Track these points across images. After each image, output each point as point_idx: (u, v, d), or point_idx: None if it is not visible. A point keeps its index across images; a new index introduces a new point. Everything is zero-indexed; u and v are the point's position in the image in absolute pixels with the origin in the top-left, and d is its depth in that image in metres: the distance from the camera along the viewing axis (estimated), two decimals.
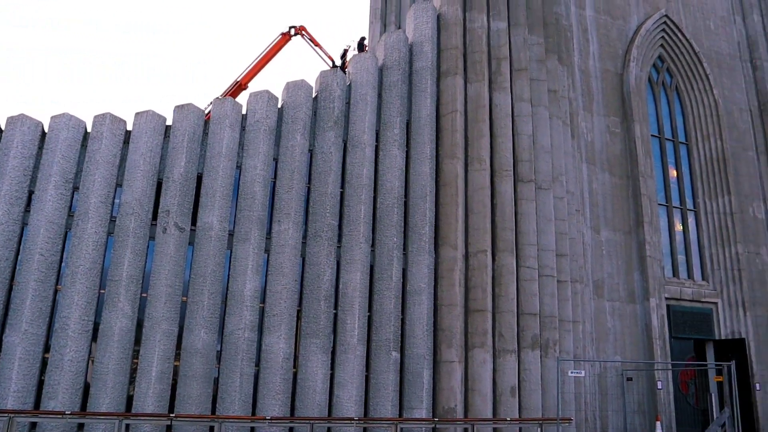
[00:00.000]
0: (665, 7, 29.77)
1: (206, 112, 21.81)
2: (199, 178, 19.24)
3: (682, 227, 27.76)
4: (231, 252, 18.77)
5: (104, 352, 16.88)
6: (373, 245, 20.03)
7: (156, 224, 18.35)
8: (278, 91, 20.89)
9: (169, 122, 19.50)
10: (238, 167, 19.63)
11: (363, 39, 27.75)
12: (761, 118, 30.00)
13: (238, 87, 30.76)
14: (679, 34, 29.51)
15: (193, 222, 18.79)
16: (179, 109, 19.43)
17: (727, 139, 28.62)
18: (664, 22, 29.50)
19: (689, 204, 28.10)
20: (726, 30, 31.21)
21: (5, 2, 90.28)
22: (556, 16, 25.18)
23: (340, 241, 19.75)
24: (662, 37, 29.54)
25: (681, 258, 27.33)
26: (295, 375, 18.43)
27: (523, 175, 21.89)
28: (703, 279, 27.15)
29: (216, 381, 17.75)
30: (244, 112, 20.21)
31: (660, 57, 29.68)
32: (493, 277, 20.67)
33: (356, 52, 27.15)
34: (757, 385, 25.48)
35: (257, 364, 18.11)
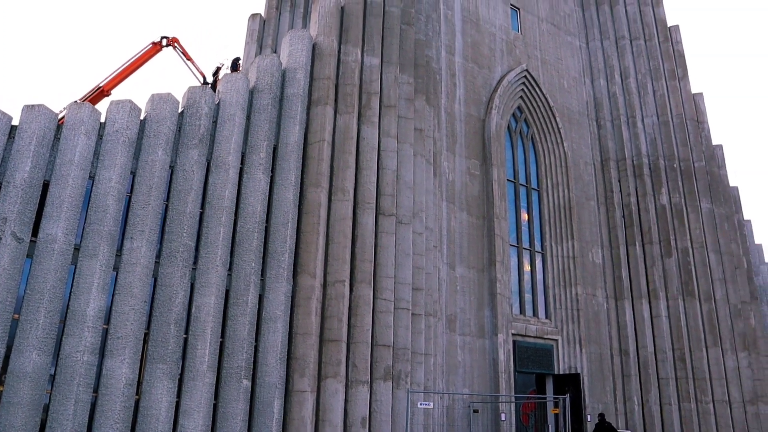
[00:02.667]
0: (526, 63, 32.10)
1: (60, 116, 20.39)
2: (46, 186, 17.89)
3: (530, 268, 29.63)
4: (75, 268, 17.51)
5: None
6: (230, 269, 19.54)
7: None
8: (144, 104, 20.07)
9: (16, 122, 18.04)
10: (91, 178, 18.49)
11: (237, 59, 27.40)
12: (602, 171, 32.99)
13: (100, 93, 29.06)
14: (537, 89, 31.89)
15: (35, 233, 17.38)
16: (29, 110, 18.03)
17: (574, 189, 31.12)
18: (525, 76, 31.78)
19: (537, 246, 30.08)
20: (577, 90, 34.16)
21: None
22: (427, 59, 26.32)
23: (195, 263, 19.08)
24: (522, 89, 31.77)
25: (528, 297, 29.11)
26: (137, 402, 17.39)
27: (385, 209, 22.43)
28: (546, 317, 29.04)
29: (46, 408, 16.34)
30: (102, 120, 19.14)
31: (519, 107, 31.86)
32: (350, 308, 20.85)
33: (229, 71, 26.73)
34: (589, 416, 27.48)
35: (95, 390, 16.90)
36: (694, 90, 36.05)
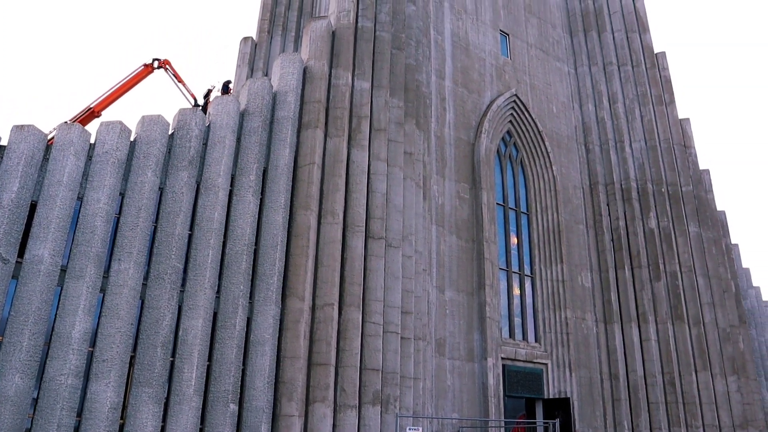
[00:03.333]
0: (516, 88, 32.43)
1: (50, 136, 20.35)
2: (34, 207, 17.79)
3: (519, 291, 29.62)
4: (61, 289, 17.36)
5: None
6: (218, 292, 19.43)
7: None
8: (135, 125, 20.09)
9: (4, 142, 17.99)
10: (80, 199, 18.41)
11: (228, 82, 27.51)
12: (591, 195, 33.19)
13: (91, 114, 29.04)
14: (526, 113, 32.18)
15: (20, 254, 17.23)
16: (18, 130, 18.00)
17: (563, 213, 31.26)
18: (514, 101, 32.09)
19: (527, 270, 30.11)
20: (566, 115, 34.49)
21: None
22: (417, 83, 26.53)
23: (183, 285, 18.97)
24: (511, 114, 32.05)
25: (517, 320, 29.05)
26: (121, 427, 17.14)
27: (375, 232, 22.42)
28: (536, 341, 28.96)
29: None
30: (92, 141, 19.13)
31: (508, 132, 32.10)
32: (339, 331, 20.73)
33: (220, 93, 26.83)
34: None
35: (79, 414, 16.65)
36: (681, 115, 36.47)
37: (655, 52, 37.31)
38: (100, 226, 17.92)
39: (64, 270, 17.54)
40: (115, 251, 18.22)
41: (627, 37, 36.98)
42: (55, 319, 17.04)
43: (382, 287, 21.96)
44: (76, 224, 18.05)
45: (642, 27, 37.68)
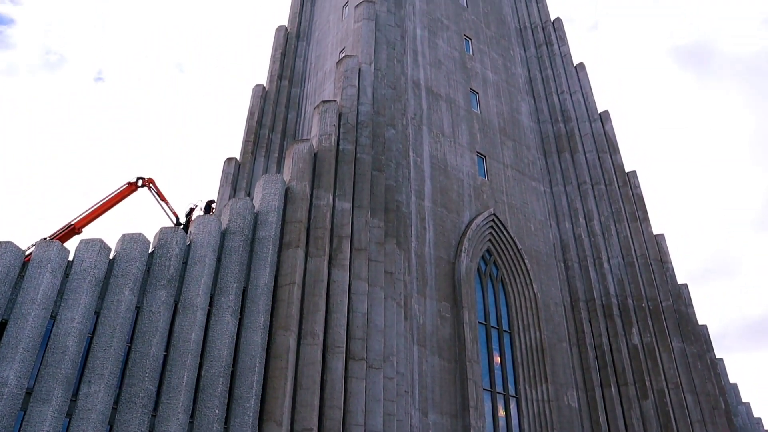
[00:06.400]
0: (494, 207, 33.20)
1: (28, 252, 20.23)
2: (3, 325, 17.35)
3: (505, 413, 28.73)
4: (24, 414, 16.55)
5: None
6: (192, 416, 18.62)
7: None
8: (115, 242, 20.08)
9: None
10: (53, 317, 18.02)
11: (211, 201, 27.97)
12: (572, 312, 33.09)
13: (71, 230, 29.08)
14: (505, 232, 32.72)
15: None
16: None
17: (545, 330, 31.00)
18: (492, 220, 32.72)
19: (511, 390, 29.39)
20: (544, 232, 35.12)
21: None
22: (397, 203, 27.09)
23: (156, 409, 18.18)
24: (490, 232, 32.58)
25: None
26: None
27: (355, 353, 21.98)
28: None
29: None
30: (71, 258, 19.03)
31: (488, 250, 32.47)
32: None
33: (202, 212, 27.13)
34: None
35: None
36: (655, 231, 37.24)
37: (627, 171, 38.73)
38: (71, 346, 17.44)
39: (29, 393, 16.83)
40: (86, 373, 17.62)
41: (599, 158, 38.48)
42: None
43: (363, 411, 21.22)
44: (47, 344, 17.55)
45: (612, 148, 39.33)
